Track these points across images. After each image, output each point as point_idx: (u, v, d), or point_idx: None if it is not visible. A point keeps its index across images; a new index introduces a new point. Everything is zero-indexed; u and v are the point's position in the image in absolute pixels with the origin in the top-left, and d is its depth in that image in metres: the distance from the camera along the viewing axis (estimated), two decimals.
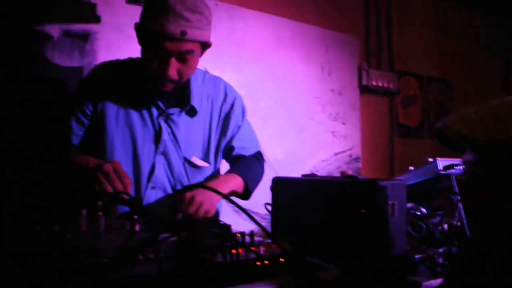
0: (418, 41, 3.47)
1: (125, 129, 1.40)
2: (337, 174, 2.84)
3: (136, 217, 0.94)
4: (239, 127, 1.55)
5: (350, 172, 1.26)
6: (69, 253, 0.85)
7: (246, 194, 1.47)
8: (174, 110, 1.43)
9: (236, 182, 1.43)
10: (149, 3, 1.28)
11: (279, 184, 1.36)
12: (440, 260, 1.28)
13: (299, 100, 2.71)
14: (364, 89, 3.07)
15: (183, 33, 1.23)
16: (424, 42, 3.52)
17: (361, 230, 1.12)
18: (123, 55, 1.54)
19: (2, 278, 0.78)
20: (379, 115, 3.24)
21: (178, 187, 1.44)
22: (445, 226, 1.50)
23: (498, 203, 0.75)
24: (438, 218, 1.54)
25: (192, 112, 1.46)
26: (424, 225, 1.70)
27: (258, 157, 1.60)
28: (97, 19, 1.98)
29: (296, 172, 2.58)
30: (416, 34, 3.47)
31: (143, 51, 1.33)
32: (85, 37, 1.96)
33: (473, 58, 3.77)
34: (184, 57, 1.29)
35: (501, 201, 0.75)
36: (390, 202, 1.12)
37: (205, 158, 1.49)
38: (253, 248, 0.94)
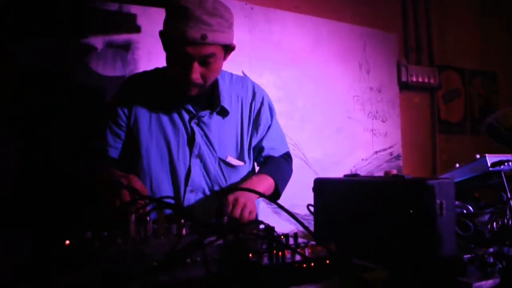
0: (458, 33, 3.37)
1: (158, 136, 1.42)
2: (377, 173, 2.79)
3: (182, 221, 0.96)
4: (269, 126, 1.56)
5: (394, 172, 1.23)
6: (119, 257, 0.87)
7: (275, 195, 1.48)
8: (205, 113, 1.45)
9: (268, 183, 1.43)
10: (170, 10, 1.30)
11: (321, 185, 1.35)
12: (491, 260, 1.24)
13: (337, 99, 2.69)
14: (404, 86, 3.01)
15: (204, 37, 1.24)
16: (466, 34, 3.41)
17: (408, 230, 1.10)
18: (162, 63, 1.57)
19: (56, 283, 0.81)
20: (420, 112, 3.16)
21: (216, 188, 1.46)
22: (495, 224, 1.45)
23: None
24: (487, 217, 1.49)
25: (223, 112, 1.48)
26: (471, 224, 1.64)
27: (286, 158, 1.60)
28: (137, 29, 2.04)
29: (335, 172, 2.59)
30: (457, 25, 3.37)
31: (167, 57, 1.36)
32: (127, 47, 2.03)
33: None
34: (206, 61, 1.30)
35: None
36: (438, 201, 1.09)
37: (240, 157, 1.50)
38: (299, 250, 0.94)
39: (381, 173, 2.76)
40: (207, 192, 1.45)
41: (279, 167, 1.53)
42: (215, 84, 1.45)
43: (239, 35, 2.35)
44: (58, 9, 1.87)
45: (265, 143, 1.55)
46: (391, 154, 2.88)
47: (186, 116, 1.44)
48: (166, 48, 1.36)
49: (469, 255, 1.22)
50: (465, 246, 1.33)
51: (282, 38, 2.50)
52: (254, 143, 1.55)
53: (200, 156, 1.44)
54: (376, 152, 2.81)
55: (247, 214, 1.22)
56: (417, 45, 3.16)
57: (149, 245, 0.91)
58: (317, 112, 2.60)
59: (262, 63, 2.42)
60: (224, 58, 1.37)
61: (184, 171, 1.43)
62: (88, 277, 0.84)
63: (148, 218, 0.97)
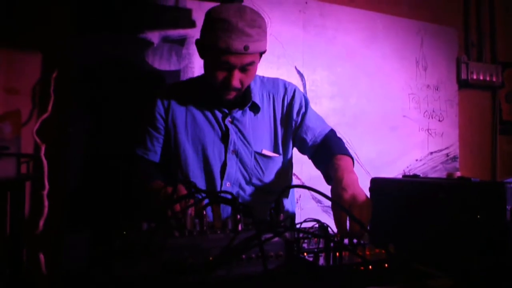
0: None
1: (194, 135, 1.51)
2: (432, 175, 2.68)
3: (238, 216, 0.95)
4: (303, 114, 1.58)
5: (458, 174, 1.17)
6: (176, 250, 0.88)
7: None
8: (238, 111, 1.52)
9: (350, 162, 1.42)
10: (210, 21, 1.36)
11: (378, 184, 1.31)
12: None
13: (392, 97, 2.60)
14: (463, 84, 2.86)
15: (246, 47, 1.32)
16: None
17: (475, 236, 1.03)
18: None
19: (115, 276, 0.83)
20: (480, 111, 3.01)
21: (255, 181, 1.53)
22: None
23: None
24: None
25: (254, 108, 1.54)
26: None
27: (334, 132, 1.61)
28: (192, 24, 2.06)
29: (388, 172, 2.51)
30: None
31: (206, 64, 1.44)
32: (182, 41, 2.05)
33: None
34: (246, 68, 1.39)
35: None
36: (509, 207, 1.02)
37: (275, 149, 1.56)
38: (359, 252, 0.91)
39: (436, 175, 2.65)
40: (244, 186, 1.52)
41: (338, 141, 1.54)
42: (244, 93, 1.51)
43: (293, 30, 2.32)
44: (117, 4, 1.92)
45: (307, 128, 1.57)
46: (447, 156, 2.75)
47: (220, 115, 1.52)
48: (204, 56, 1.45)
49: None
50: None
51: (336, 33, 2.44)
52: (290, 134, 1.58)
53: (236, 152, 1.50)
54: (432, 153, 2.70)
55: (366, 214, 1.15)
56: (479, 40, 3.00)
57: (206, 239, 0.91)
58: (371, 110, 2.52)
59: (315, 58, 2.38)
60: (258, 62, 1.45)
61: (219, 166, 1.50)
62: (147, 268, 0.85)
63: (204, 212, 0.97)
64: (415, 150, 2.65)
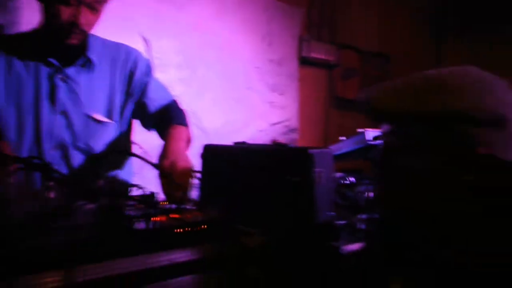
0: (360, 14, 3.52)
1: (15, 93, 1.36)
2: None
3: (51, 183, 0.89)
4: (146, 83, 1.53)
5: (280, 140, 1.27)
6: None
7: None
8: (71, 67, 1.41)
9: (183, 132, 1.42)
10: None
11: (210, 151, 1.34)
12: (363, 226, 1.35)
13: (238, 69, 2.68)
14: (304, 61, 3.09)
15: None
16: (367, 15, 3.58)
17: (288, 197, 1.14)
18: None
19: None
20: (318, 87, 3.29)
21: (81, 145, 1.43)
22: (371, 194, 1.57)
23: (406, 172, 0.79)
24: (364, 187, 1.61)
25: (89, 65, 1.44)
26: (351, 194, 1.77)
27: (177, 103, 1.59)
28: None
29: (233, 142, 2.59)
30: (359, 6, 3.51)
31: (47, 5, 1.30)
32: None
33: (413, 31, 3.88)
34: (94, 6, 1.30)
35: (409, 169, 0.78)
36: (317, 170, 1.13)
37: (109, 115, 1.48)
38: (174, 215, 0.93)
39: None
40: (71, 149, 1.42)
41: (180, 112, 1.53)
42: (85, 39, 1.41)
43: None
44: None
45: (149, 97, 1.52)
46: (288, 127, 2.96)
47: (48, 71, 1.39)
48: None
49: (343, 222, 1.32)
50: (343, 213, 1.43)
51: (185, 1, 2.41)
52: (131, 103, 1.52)
53: (64, 113, 1.39)
54: (273, 124, 2.88)
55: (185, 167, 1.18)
56: (320, 21, 3.25)
57: (12, 209, 0.84)
58: (218, 81, 2.57)
59: (163, 25, 2.32)
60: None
61: (46, 127, 1.38)
62: None
63: (11, 180, 0.89)
64: (258, 121, 2.79)
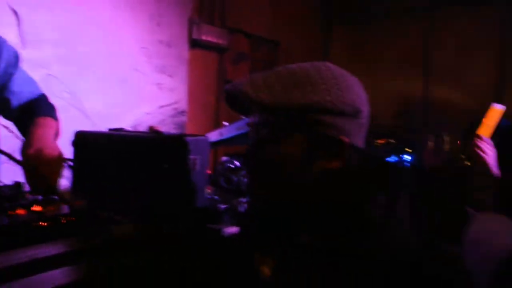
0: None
1: None
2: (161, 128, 2.81)
3: None
4: (10, 74, 1.38)
5: (157, 128, 1.25)
6: None
7: None
8: None
9: (50, 122, 1.31)
10: None
11: (82, 138, 1.28)
12: (243, 209, 1.40)
13: (123, 49, 2.57)
14: (194, 43, 3.06)
15: None
16: (258, 1, 3.63)
17: (164, 184, 1.13)
18: None
19: None
20: (208, 70, 3.28)
21: None
22: None
23: (275, 161, 0.83)
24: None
25: None
26: (235, 178, 1.82)
27: (46, 97, 1.48)
28: None
29: (117, 125, 2.49)
30: None
31: None
32: None
33: (303, 19, 4.02)
34: None
35: (278, 158, 0.83)
36: (192, 157, 1.14)
37: None
38: (35, 208, 0.87)
39: (165, 128, 2.79)
40: None
41: (49, 106, 1.42)
42: None
43: None
44: None
45: (10, 93, 1.37)
46: (176, 110, 2.93)
47: None
48: None
49: (225, 206, 1.35)
50: (227, 197, 1.47)
51: None
52: None
53: None
54: (161, 107, 2.83)
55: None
56: (212, 4, 3.23)
57: None
58: (100, 61, 2.44)
59: None
60: None
61: None
62: None
63: None
64: (145, 103, 2.72)
